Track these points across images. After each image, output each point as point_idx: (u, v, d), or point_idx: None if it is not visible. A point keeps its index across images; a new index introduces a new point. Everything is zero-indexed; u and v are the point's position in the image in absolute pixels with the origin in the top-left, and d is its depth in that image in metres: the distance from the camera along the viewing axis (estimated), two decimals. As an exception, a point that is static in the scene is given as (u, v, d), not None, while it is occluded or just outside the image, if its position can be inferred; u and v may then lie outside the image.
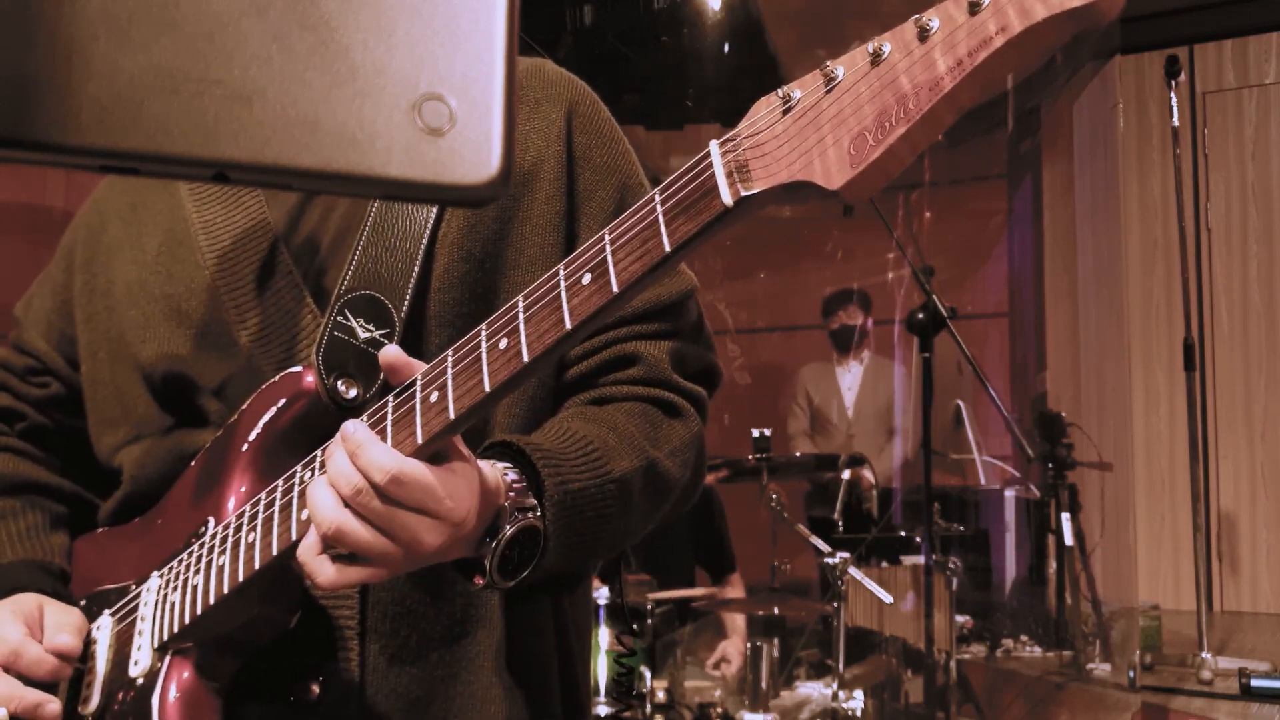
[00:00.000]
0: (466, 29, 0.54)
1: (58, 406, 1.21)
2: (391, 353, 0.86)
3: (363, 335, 0.98)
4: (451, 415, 0.80)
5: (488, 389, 0.78)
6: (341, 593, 0.99)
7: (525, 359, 0.77)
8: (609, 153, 1.13)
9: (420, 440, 0.81)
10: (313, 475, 0.89)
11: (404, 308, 1.00)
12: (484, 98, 0.53)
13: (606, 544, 1.00)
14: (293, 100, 0.51)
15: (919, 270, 3.58)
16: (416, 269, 1.01)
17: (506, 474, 0.90)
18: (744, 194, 0.70)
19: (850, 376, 5.67)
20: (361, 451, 0.79)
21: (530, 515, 0.89)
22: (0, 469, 1.18)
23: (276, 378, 1.00)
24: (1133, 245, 5.76)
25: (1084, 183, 5.65)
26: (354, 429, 0.81)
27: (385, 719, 0.99)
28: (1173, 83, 3.98)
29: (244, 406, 1.01)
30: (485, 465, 0.88)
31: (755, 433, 4.12)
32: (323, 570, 0.83)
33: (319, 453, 0.90)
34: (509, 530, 0.87)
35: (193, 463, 1.05)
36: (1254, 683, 3.37)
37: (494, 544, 0.86)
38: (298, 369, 0.99)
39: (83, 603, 1.10)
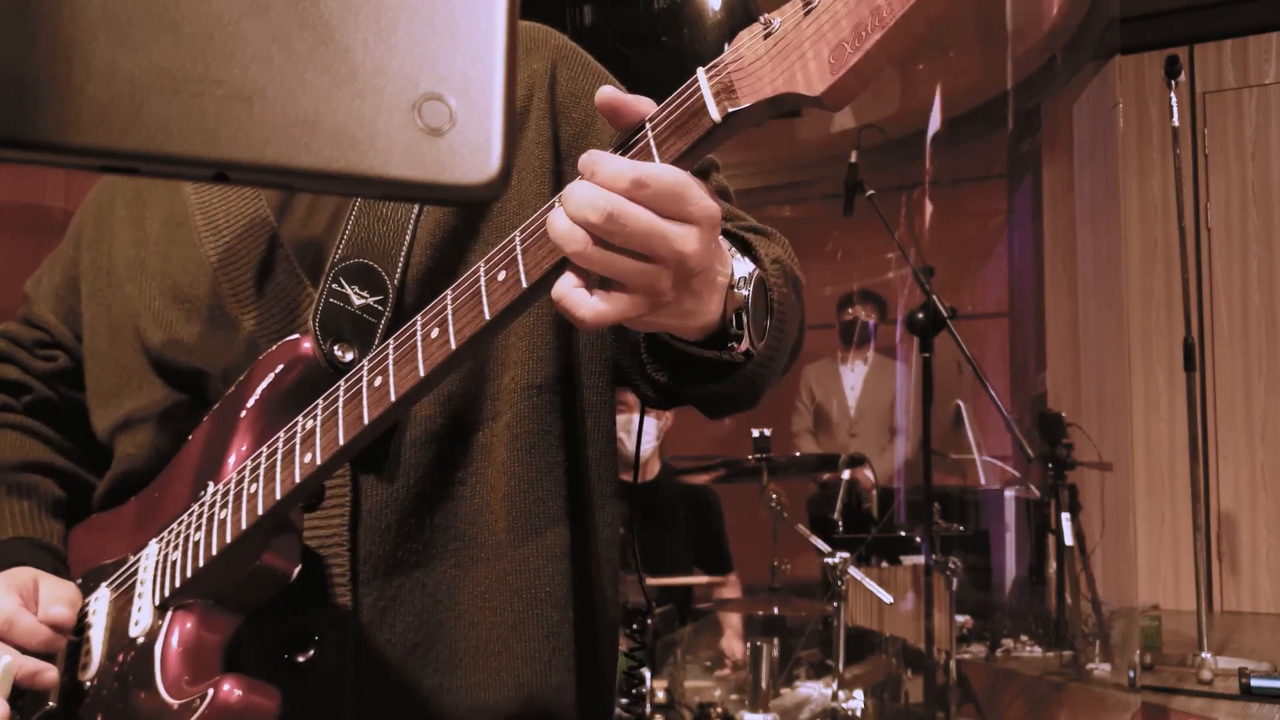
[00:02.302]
0: (466, 29, 0.54)
1: (64, 380, 1.22)
2: (609, 92, 0.78)
3: (357, 302, 1.00)
4: (453, 346, 0.80)
5: (488, 317, 0.79)
6: (331, 548, 0.99)
7: (524, 285, 0.78)
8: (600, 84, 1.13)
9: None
10: (314, 421, 0.89)
11: (396, 274, 1.01)
12: (484, 98, 0.53)
13: (786, 343, 0.96)
14: (293, 100, 0.51)
15: (919, 270, 3.58)
16: (408, 236, 1.03)
17: None
18: (731, 109, 0.74)
19: (854, 376, 5.69)
20: (600, 168, 0.73)
21: (758, 270, 0.86)
22: (5, 447, 1.19)
23: (274, 347, 1.01)
24: (1133, 245, 5.76)
25: (1084, 183, 5.65)
26: (589, 157, 0.74)
27: (385, 668, 0.99)
28: (1173, 83, 3.98)
29: (241, 377, 1.02)
30: None
31: (755, 433, 4.12)
32: (585, 302, 0.74)
33: (320, 400, 0.91)
34: (756, 271, 0.85)
35: (190, 437, 1.06)
36: (1254, 683, 3.37)
37: (747, 285, 0.84)
38: (294, 336, 1.00)
39: (79, 581, 1.10)
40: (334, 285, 1.00)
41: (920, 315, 3.38)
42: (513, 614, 1.04)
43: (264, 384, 1.00)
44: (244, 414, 1.00)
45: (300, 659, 0.99)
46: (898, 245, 4.42)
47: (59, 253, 1.27)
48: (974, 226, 6.55)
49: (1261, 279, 5.60)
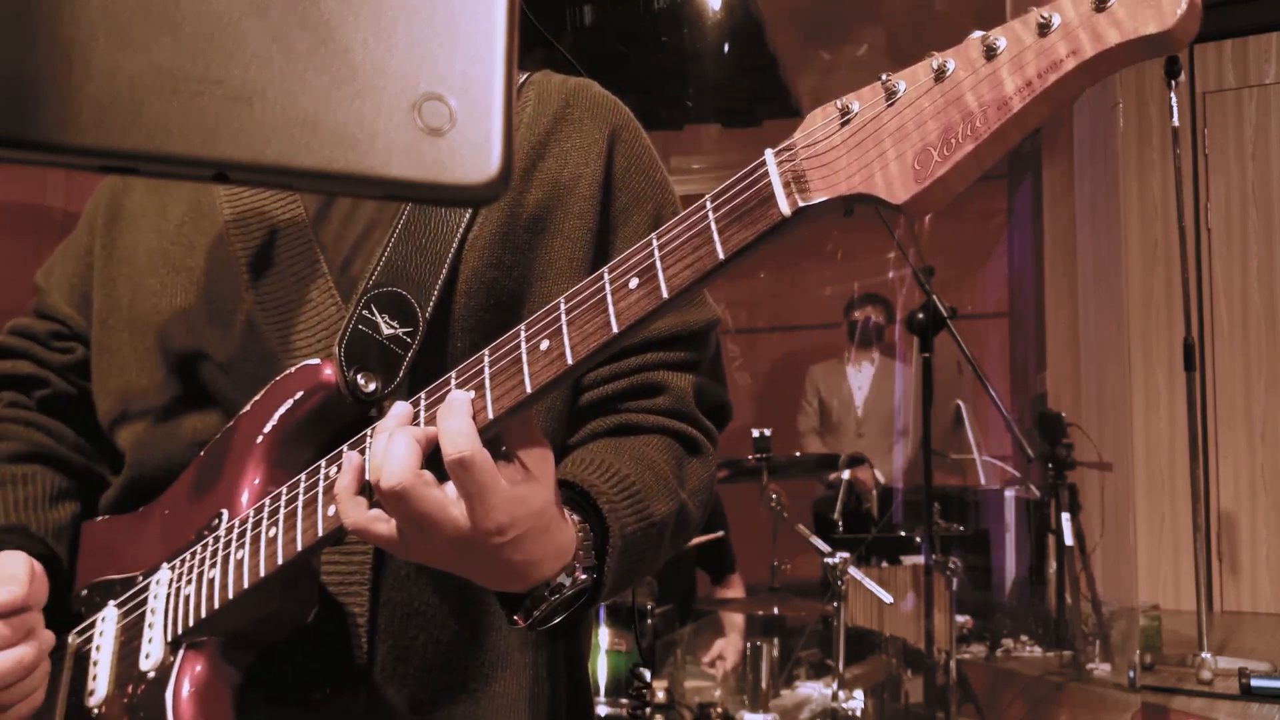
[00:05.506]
0: (466, 29, 0.54)
1: (82, 372, 1.19)
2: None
3: (386, 331, 0.98)
4: (490, 416, 0.79)
5: (529, 390, 0.77)
6: (352, 592, 0.99)
7: (569, 361, 0.76)
8: (647, 180, 1.13)
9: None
10: (338, 470, 0.88)
11: (429, 307, 1.00)
12: (484, 98, 0.53)
13: (630, 584, 1.00)
14: (293, 100, 0.51)
15: (919, 270, 3.58)
16: (445, 270, 1.01)
17: (578, 529, 0.89)
18: (802, 204, 0.69)
19: (861, 376, 5.70)
20: (445, 434, 0.78)
21: (590, 575, 0.89)
22: (11, 437, 1.16)
23: (293, 369, 0.99)
24: (1133, 245, 5.76)
25: (1084, 183, 5.65)
26: (449, 407, 0.79)
27: (394, 715, 0.99)
28: (1173, 83, 3.98)
29: (257, 397, 1.00)
30: (566, 520, 0.87)
31: (755, 433, 4.12)
32: (352, 513, 0.82)
33: (345, 448, 0.89)
34: (568, 591, 0.87)
35: (201, 453, 1.04)
36: (1254, 683, 3.37)
37: (552, 597, 0.86)
38: (316, 361, 0.98)
39: (84, 592, 1.09)
40: (364, 312, 0.98)
41: (920, 315, 3.39)
42: (521, 686, 1.04)
43: (281, 410, 0.97)
44: (260, 440, 0.98)
45: (313, 696, 0.98)
46: (898, 245, 4.42)
47: (72, 240, 1.23)
48: (974, 226, 6.55)
49: (1261, 279, 5.59)
